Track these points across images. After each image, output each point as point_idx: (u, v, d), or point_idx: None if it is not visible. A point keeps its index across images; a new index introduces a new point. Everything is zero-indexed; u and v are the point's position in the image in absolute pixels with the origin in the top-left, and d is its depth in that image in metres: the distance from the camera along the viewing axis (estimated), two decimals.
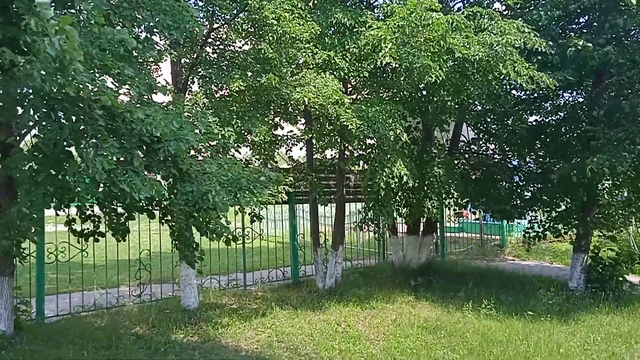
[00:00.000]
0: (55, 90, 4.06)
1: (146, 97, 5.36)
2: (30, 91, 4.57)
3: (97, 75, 4.39)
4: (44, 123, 4.60)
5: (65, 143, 4.68)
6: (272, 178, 6.16)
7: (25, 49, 4.12)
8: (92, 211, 6.67)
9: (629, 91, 9.05)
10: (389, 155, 8.52)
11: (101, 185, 4.90)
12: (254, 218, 9.14)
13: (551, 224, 10.79)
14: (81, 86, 4.03)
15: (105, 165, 4.25)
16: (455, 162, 11.80)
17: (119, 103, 4.48)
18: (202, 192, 5.33)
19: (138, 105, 5.03)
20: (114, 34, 4.30)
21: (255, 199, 5.83)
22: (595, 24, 9.55)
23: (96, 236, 6.89)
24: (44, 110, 4.54)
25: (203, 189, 5.35)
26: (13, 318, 6.52)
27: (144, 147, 4.97)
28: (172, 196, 5.64)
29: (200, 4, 8.80)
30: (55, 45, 3.51)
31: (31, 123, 5.17)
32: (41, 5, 3.50)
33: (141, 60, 7.75)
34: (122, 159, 4.87)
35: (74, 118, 4.44)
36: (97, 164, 4.20)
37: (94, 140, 4.47)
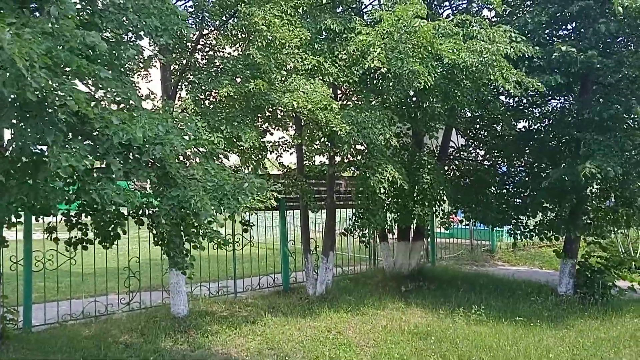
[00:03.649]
0: (15, 95, 3.99)
1: (131, 102, 5.30)
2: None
3: (68, 79, 4.31)
4: (19, 127, 4.53)
5: (32, 148, 4.60)
6: (257, 185, 6.09)
7: None
8: (79, 219, 6.61)
9: (615, 96, 9.14)
10: (379, 161, 8.55)
11: (72, 190, 4.83)
12: (245, 226, 9.11)
13: (539, 229, 10.83)
14: (45, 92, 3.96)
15: (73, 162, 4.15)
16: (445, 168, 11.85)
17: (89, 108, 4.38)
18: (188, 197, 5.28)
19: (115, 109, 4.96)
20: (85, 37, 4.23)
21: (239, 206, 5.77)
22: (582, 29, 9.66)
23: (84, 244, 6.85)
24: (15, 115, 4.46)
25: (188, 193, 5.31)
26: (0, 327, 6.44)
27: (123, 154, 4.91)
28: (159, 202, 5.59)
29: (191, 10, 8.82)
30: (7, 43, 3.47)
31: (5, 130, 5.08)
32: None
33: (129, 66, 7.71)
34: (97, 164, 4.80)
35: (37, 122, 4.35)
36: (62, 159, 4.12)
37: (62, 142, 4.38)
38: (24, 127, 4.41)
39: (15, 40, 3.50)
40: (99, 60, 4.80)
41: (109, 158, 4.66)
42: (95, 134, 4.66)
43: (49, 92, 3.98)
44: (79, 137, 4.53)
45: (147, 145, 4.80)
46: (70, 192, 4.87)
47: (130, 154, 4.91)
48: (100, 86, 4.78)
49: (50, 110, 4.34)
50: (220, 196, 5.55)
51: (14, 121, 4.52)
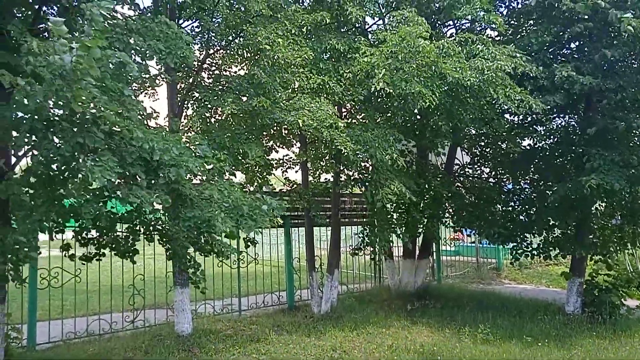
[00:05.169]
0: (60, 105, 4.16)
1: (142, 119, 5.44)
2: (26, 115, 4.62)
3: (98, 95, 4.46)
4: (44, 144, 4.65)
5: (63, 163, 4.72)
6: (275, 207, 6.22)
7: (23, 72, 4.19)
8: (90, 234, 6.68)
9: (620, 114, 9.15)
10: (386, 176, 8.56)
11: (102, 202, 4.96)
12: (249, 243, 9.12)
13: (544, 247, 10.76)
14: (87, 102, 4.11)
15: (106, 175, 4.28)
16: (450, 187, 11.85)
17: (119, 120, 4.55)
18: (205, 219, 5.38)
19: (136, 126, 5.09)
20: (116, 57, 4.37)
21: (255, 225, 5.89)
22: (585, 49, 9.70)
23: (99, 257, 6.92)
24: (42, 131, 4.58)
25: (206, 215, 5.40)
26: (4, 345, 6.42)
27: (145, 168, 5.02)
28: (175, 222, 5.68)
29: (197, 30, 8.95)
30: (67, 59, 3.66)
31: (26, 147, 5.20)
32: (55, 23, 3.75)
33: (137, 85, 7.86)
34: (123, 176, 4.92)
35: (71, 137, 4.48)
36: (96, 172, 4.23)
37: (93, 155, 4.51)
38: (50, 141, 4.54)
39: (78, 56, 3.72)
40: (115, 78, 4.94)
41: (135, 169, 4.80)
42: (120, 146, 4.80)
43: (88, 104, 4.15)
44: (107, 151, 4.64)
45: (161, 167, 4.94)
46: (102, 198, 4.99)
47: (152, 166, 5.04)
48: (121, 102, 4.90)
49: (84, 124, 4.50)
50: (237, 217, 5.66)
51: (31, 138, 4.67)
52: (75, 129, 4.53)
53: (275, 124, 8.33)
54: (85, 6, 4.07)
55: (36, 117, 4.51)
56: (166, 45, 5.66)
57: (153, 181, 5.13)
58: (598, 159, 8.78)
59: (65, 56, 3.73)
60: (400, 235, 11.25)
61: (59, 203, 4.94)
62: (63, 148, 4.51)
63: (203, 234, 5.77)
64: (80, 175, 4.55)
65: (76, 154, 4.54)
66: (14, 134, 4.85)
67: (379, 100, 9.61)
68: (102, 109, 4.32)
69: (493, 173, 12.24)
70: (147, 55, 5.78)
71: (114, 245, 6.47)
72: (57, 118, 4.57)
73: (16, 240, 4.85)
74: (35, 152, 4.89)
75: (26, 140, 4.82)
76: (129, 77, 5.71)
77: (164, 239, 6.87)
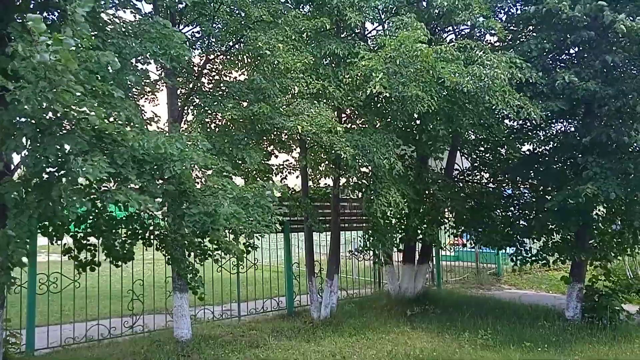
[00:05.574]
0: (43, 107, 4.14)
1: (136, 123, 5.42)
2: (22, 119, 4.63)
3: (86, 97, 4.45)
4: (33, 146, 4.65)
5: (53, 166, 4.72)
6: (279, 190, 6.22)
7: (15, 76, 4.20)
8: (88, 240, 6.69)
9: (619, 121, 9.15)
10: (383, 184, 8.56)
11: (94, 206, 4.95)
12: (249, 248, 9.10)
13: (543, 253, 10.74)
14: (71, 103, 4.09)
15: (97, 172, 4.26)
16: (449, 190, 11.85)
17: (107, 124, 4.52)
18: (211, 212, 5.38)
19: (129, 128, 5.09)
20: (100, 56, 4.37)
21: (265, 216, 5.89)
22: (585, 55, 9.72)
23: (93, 265, 6.92)
24: (32, 135, 4.58)
25: (211, 207, 5.40)
26: (2, 351, 6.41)
27: (138, 169, 5.01)
28: (179, 218, 5.68)
29: (197, 35, 8.98)
30: (46, 57, 3.64)
31: (25, 152, 5.20)
32: (34, 20, 3.70)
33: (137, 90, 7.86)
34: (116, 178, 4.91)
35: (57, 141, 4.48)
36: (87, 168, 4.22)
37: (84, 156, 4.50)
38: (39, 144, 4.53)
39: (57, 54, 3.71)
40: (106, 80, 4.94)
41: (126, 170, 4.79)
42: (111, 148, 4.80)
43: (70, 107, 4.13)
44: (97, 152, 4.63)
45: (166, 162, 4.94)
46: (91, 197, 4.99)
47: (145, 169, 5.02)
48: (112, 105, 4.89)
49: (69, 126, 4.49)
50: (242, 206, 5.67)
51: (26, 143, 4.66)
52: (60, 134, 4.53)
53: (275, 129, 8.34)
54: (69, 7, 4.06)
55: (32, 121, 4.51)
56: (161, 45, 5.67)
57: (146, 183, 5.12)
58: (595, 166, 8.79)
59: (45, 55, 3.72)
60: (399, 241, 11.30)
61: (50, 200, 4.90)
62: (49, 150, 4.50)
63: (207, 231, 5.77)
64: (72, 174, 4.54)
65: (69, 155, 4.53)
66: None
67: (379, 105, 9.63)
68: (88, 111, 4.29)
69: (492, 178, 12.24)
70: (142, 58, 5.79)
71: (106, 252, 6.46)
72: (45, 123, 4.56)
73: (4, 234, 4.80)
74: (25, 157, 4.90)
75: (20, 148, 4.81)
76: (129, 83, 5.73)
77: (162, 245, 6.87)
